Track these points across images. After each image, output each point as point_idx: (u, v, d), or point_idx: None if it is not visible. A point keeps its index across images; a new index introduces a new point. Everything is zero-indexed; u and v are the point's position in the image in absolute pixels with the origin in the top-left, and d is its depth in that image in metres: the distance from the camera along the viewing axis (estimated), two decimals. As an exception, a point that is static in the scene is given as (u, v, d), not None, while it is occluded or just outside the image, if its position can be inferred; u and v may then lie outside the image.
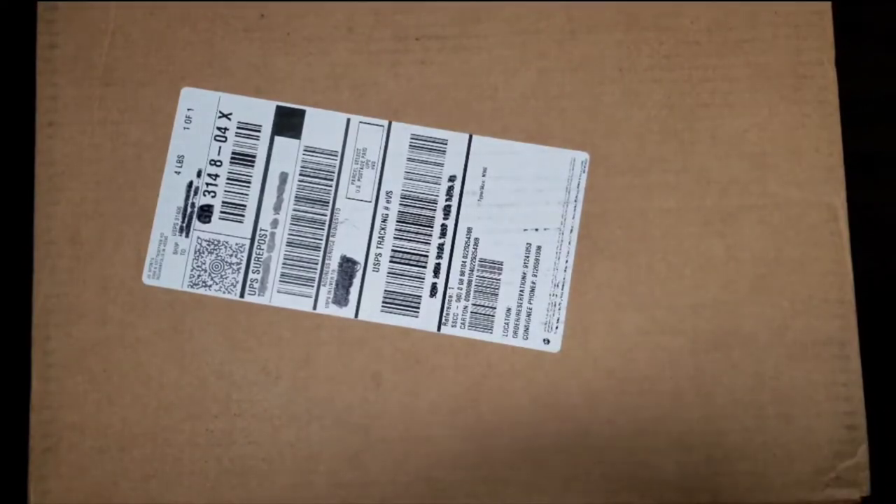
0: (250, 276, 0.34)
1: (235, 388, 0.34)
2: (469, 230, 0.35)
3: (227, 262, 0.34)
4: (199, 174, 0.35)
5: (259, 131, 0.35)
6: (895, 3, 0.43)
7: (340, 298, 0.34)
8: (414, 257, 0.35)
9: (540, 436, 0.34)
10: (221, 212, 0.35)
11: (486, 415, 0.34)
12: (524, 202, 0.35)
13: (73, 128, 0.35)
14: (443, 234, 0.35)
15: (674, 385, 0.34)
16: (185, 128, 0.35)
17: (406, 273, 0.35)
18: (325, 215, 0.35)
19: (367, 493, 0.34)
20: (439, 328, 0.34)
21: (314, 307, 0.34)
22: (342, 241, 0.35)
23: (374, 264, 0.35)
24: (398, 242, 0.35)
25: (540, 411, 0.34)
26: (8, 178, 0.41)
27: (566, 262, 0.35)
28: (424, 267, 0.35)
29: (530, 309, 0.34)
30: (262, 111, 0.35)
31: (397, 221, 0.35)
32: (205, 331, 0.34)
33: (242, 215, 0.35)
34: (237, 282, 0.34)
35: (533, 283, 0.34)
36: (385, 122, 0.35)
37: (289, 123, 0.35)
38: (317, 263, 0.35)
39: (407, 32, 0.35)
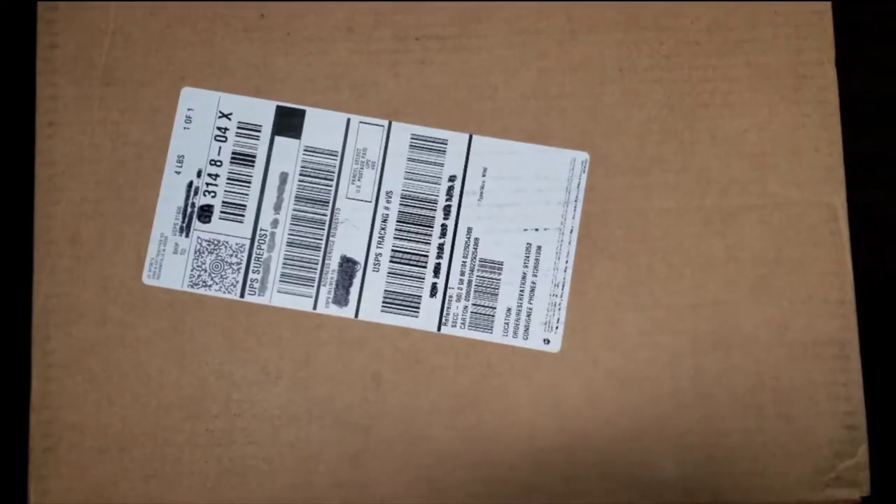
0: (250, 276, 0.34)
1: (235, 388, 0.34)
2: (469, 230, 0.35)
3: (227, 261, 0.34)
4: (199, 174, 0.35)
5: (259, 131, 0.35)
6: (895, 3, 0.43)
7: (340, 298, 0.34)
8: (414, 257, 0.35)
9: (540, 436, 0.34)
10: (221, 212, 0.35)
11: (486, 415, 0.34)
12: (524, 202, 0.35)
13: (73, 128, 0.35)
14: (443, 234, 0.35)
15: (674, 385, 0.34)
16: (185, 128, 0.35)
17: (406, 273, 0.35)
18: (325, 215, 0.35)
19: (367, 493, 0.34)
20: (439, 328, 0.34)
21: (314, 307, 0.34)
22: (342, 241, 0.35)
23: (374, 264, 0.35)
24: (398, 242, 0.35)
25: (540, 411, 0.34)
26: (8, 178, 0.41)
27: (566, 262, 0.35)
28: (424, 267, 0.35)
29: (530, 309, 0.34)
30: (262, 111, 0.35)
31: (397, 221, 0.35)
32: (205, 331, 0.34)
33: (242, 215, 0.35)
34: (237, 282, 0.34)
35: (533, 283, 0.34)
36: (385, 122, 0.35)
37: (289, 123, 0.35)
38: (317, 263, 0.35)
39: (407, 32, 0.35)
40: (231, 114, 0.35)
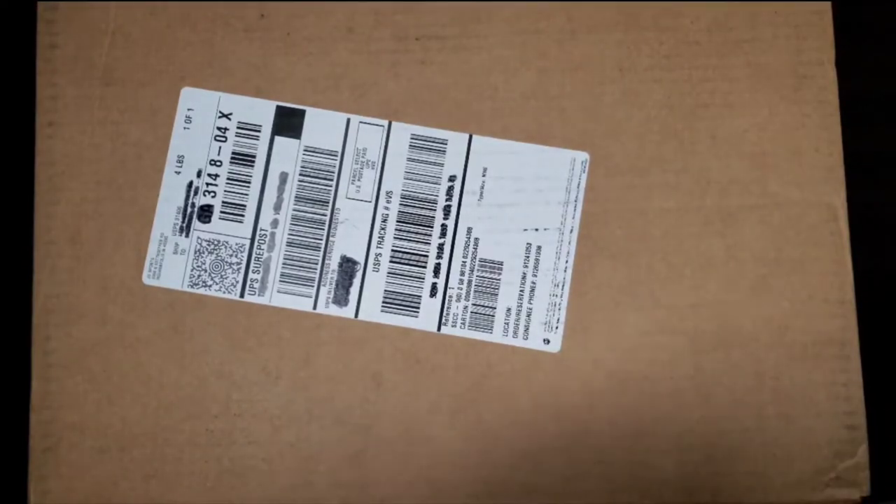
0: (250, 275, 0.34)
1: (235, 388, 0.34)
2: (469, 230, 0.35)
3: (227, 261, 0.34)
4: (199, 174, 0.35)
5: (259, 131, 0.35)
6: (895, 3, 0.43)
7: (340, 298, 0.34)
8: (414, 257, 0.35)
9: (540, 436, 0.34)
10: (221, 212, 0.35)
11: (486, 415, 0.34)
12: (524, 202, 0.35)
13: (73, 128, 0.35)
14: (443, 234, 0.35)
15: (674, 385, 0.34)
16: (185, 128, 0.35)
17: (406, 273, 0.35)
18: (325, 215, 0.35)
19: (367, 493, 0.34)
20: (439, 328, 0.34)
21: (314, 307, 0.34)
22: (342, 241, 0.35)
23: (374, 264, 0.35)
24: (398, 242, 0.35)
25: (540, 411, 0.34)
26: (8, 178, 0.41)
27: (566, 262, 0.35)
28: (424, 267, 0.35)
29: (530, 309, 0.34)
30: (262, 111, 0.35)
31: (397, 221, 0.35)
32: (205, 331, 0.34)
33: (242, 215, 0.35)
34: (237, 282, 0.34)
35: (533, 283, 0.34)
36: (385, 122, 0.35)
37: (289, 123, 0.35)
38: (317, 263, 0.35)
39: (407, 32, 0.35)
40: (231, 114, 0.35)
